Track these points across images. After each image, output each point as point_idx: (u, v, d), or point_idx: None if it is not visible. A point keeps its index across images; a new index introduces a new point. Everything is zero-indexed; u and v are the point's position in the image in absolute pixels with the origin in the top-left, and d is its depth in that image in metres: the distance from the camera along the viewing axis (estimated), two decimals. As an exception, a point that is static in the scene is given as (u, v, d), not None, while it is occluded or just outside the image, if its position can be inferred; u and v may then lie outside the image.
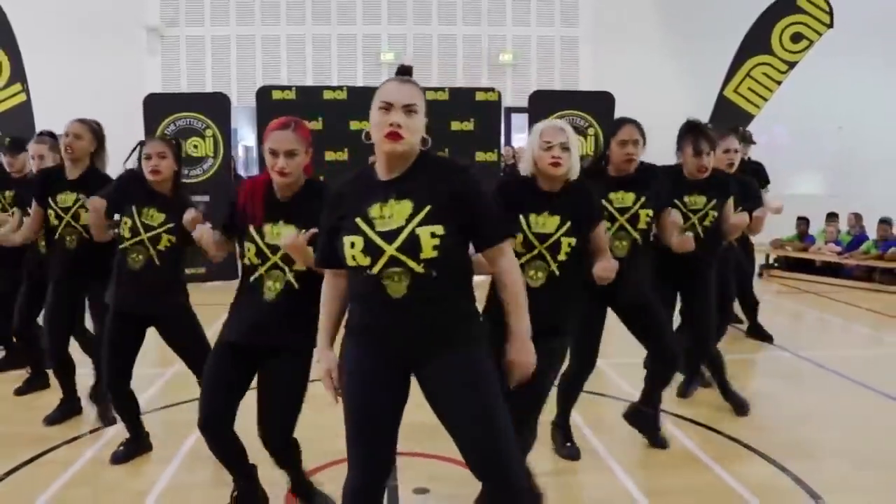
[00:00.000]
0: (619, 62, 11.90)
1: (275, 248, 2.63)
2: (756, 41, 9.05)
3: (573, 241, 2.75)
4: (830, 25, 8.86)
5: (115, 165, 4.10)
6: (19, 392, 4.71)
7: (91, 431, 4.04)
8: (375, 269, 2.01)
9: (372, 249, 2.00)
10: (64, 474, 3.46)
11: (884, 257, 9.24)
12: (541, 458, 3.31)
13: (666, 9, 12.43)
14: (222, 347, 2.76)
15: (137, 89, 10.30)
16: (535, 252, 2.75)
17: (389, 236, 2.00)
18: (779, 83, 9.05)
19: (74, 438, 3.94)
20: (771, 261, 10.48)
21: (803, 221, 10.32)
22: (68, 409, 4.22)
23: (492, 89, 9.59)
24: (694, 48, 11.47)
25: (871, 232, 9.73)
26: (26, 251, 4.52)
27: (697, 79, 10.48)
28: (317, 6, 12.36)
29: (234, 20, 12.28)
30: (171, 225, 3.34)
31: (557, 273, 2.75)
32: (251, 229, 2.67)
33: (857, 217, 10.06)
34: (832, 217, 10.16)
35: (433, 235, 1.99)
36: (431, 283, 2.02)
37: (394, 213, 2.02)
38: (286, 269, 2.66)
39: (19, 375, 4.89)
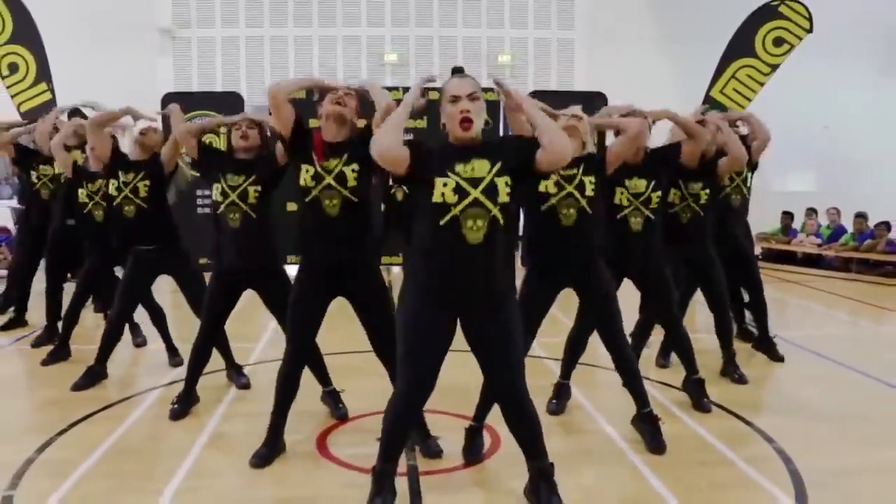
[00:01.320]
0: (614, 64, 12.25)
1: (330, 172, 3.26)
2: (740, 45, 9.43)
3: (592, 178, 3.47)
4: (810, 30, 9.32)
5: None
6: (45, 363, 5.16)
7: (130, 397, 4.56)
8: (458, 209, 2.55)
9: (460, 190, 2.57)
10: (119, 427, 3.95)
11: (860, 249, 9.79)
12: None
13: (659, 13, 12.83)
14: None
15: (149, 89, 10.67)
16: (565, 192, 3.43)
17: (474, 182, 2.57)
18: (762, 84, 9.44)
19: (121, 400, 4.44)
20: (756, 253, 10.95)
21: (788, 216, 10.81)
22: (94, 375, 4.66)
23: (491, 89, 9.96)
24: (686, 51, 11.78)
25: (850, 225, 10.26)
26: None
27: (689, 80, 10.64)
28: (323, 9, 12.75)
29: (244, 22, 12.69)
30: (252, 178, 3.82)
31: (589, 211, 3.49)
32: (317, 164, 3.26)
33: (837, 211, 10.59)
34: (811, 211, 10.67)
35: (506, 185, 2.58)
36: (500, 236, 2.60)
37: (475, 167, 2.60)
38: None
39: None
